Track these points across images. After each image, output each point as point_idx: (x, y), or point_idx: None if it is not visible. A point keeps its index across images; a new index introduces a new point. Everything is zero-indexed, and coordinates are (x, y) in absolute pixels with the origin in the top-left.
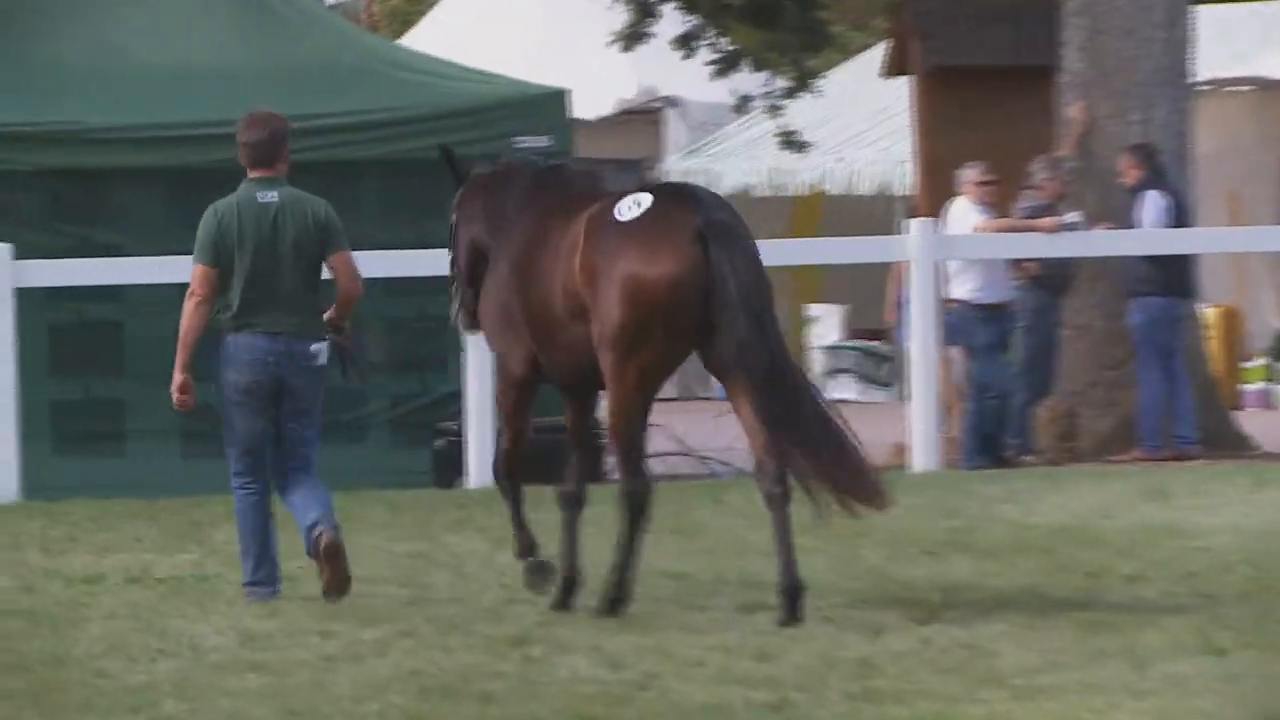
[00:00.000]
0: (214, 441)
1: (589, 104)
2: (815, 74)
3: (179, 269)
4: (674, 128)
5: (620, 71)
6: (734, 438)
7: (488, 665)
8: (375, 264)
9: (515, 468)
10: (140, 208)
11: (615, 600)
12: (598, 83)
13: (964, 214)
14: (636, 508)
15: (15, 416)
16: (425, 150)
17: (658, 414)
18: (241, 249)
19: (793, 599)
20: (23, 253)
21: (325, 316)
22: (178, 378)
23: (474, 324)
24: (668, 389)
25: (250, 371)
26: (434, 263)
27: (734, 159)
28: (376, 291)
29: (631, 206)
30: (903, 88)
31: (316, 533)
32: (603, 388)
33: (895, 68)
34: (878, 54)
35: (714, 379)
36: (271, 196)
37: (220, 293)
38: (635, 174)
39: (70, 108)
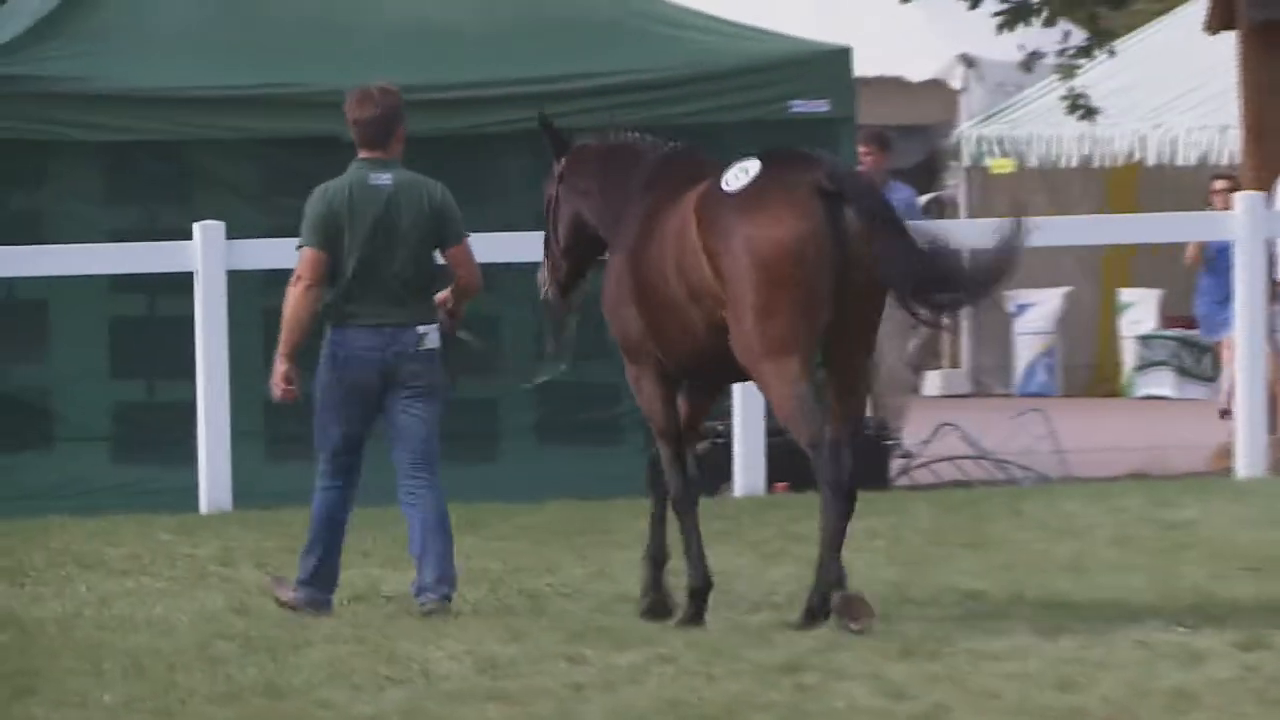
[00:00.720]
0: (452, 442)
1: (873, 63)
2: (1112, 33)
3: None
4: (970, 90)
5: (908, 27)
6: (1036, 438)
7: (756, 695)
8: None
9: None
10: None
11: (811, 611)
12: (882, 41)
13: None
14: (841, 497)
15: (228, 417)
16: (696, 116)
17: (949, 411)
18: (351, 235)
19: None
20: (236, 232)
21: (438, 298)
22: (280, 368)
23: (565, 305)
24: (960, 384)
25: (351, 370)
26: None
27: (1037, 124)
28: None
29: (739, 174)
30: (1229, 44)
31: (422, 604)
32: (725, 380)
33: (1220, 22)
34: (1200, 7)
35: (1013, 372)
36: (385, 179)
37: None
38: (925, 141)
39: (298, 70)
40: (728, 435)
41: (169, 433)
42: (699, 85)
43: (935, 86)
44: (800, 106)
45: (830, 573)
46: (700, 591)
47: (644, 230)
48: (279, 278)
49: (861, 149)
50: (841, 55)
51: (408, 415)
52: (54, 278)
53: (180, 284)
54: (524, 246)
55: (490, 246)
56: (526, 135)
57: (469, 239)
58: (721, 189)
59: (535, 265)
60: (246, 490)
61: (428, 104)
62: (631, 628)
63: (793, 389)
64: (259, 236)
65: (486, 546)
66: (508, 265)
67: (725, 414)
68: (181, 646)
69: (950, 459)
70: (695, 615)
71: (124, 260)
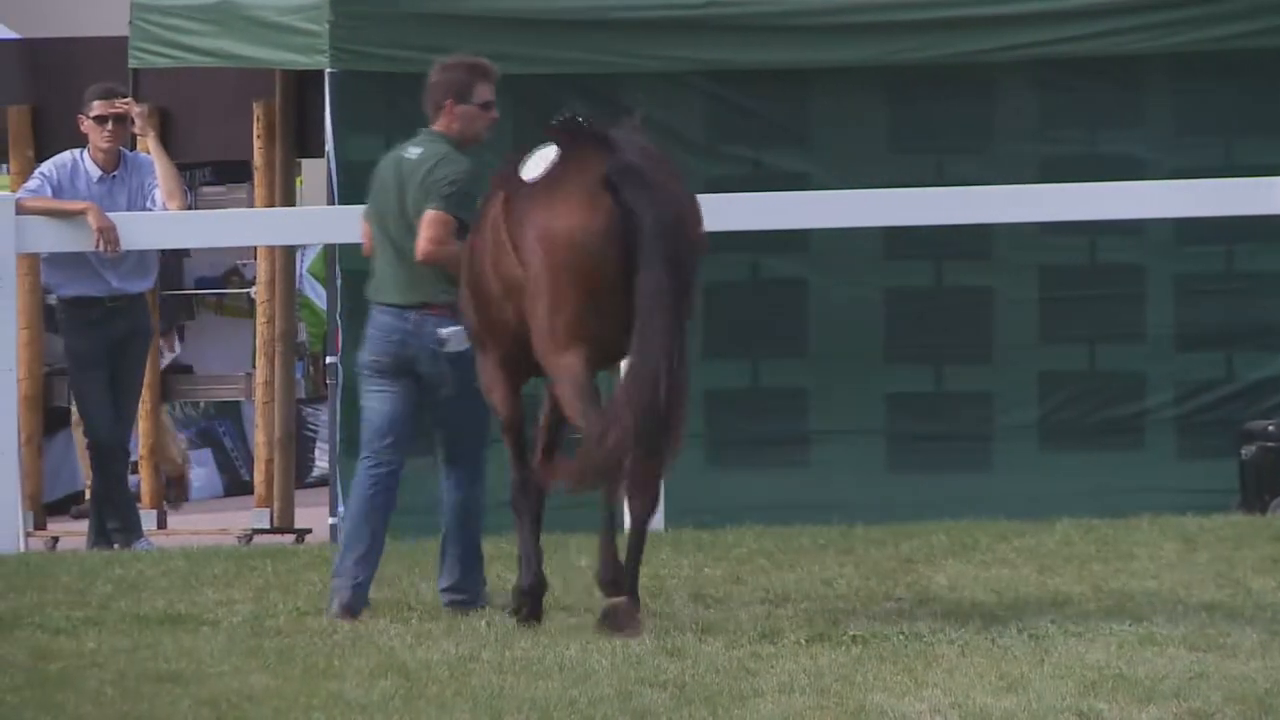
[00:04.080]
0: (929, 448)
1: None
2: None
3: (893, 207)
4: None
5: None
6: None
7: None
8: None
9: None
10: (838, 123)
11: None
12: None
13: None
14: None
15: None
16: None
17: None
18: (376, 209)
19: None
20: None
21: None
22: None
23: None
24: None
25: (374, 349)
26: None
27: None
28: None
29: (537, 163)
30: None
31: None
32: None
33: None
34: None
35: None
36: (413, 152)
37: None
38: None
39: None
40: (1279, 436)
41: None
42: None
43: None
44: None
45: (612, 571)
46: (534, 591)
47: (479, 217)
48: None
49: None
50: None
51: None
52: None
53: None
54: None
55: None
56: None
57: (441, 212)
58: (520, 177)
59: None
60: (682, 505)
61: (919, 25)
62: (1158, 676)
63: (574, 385)
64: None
65: (977, 575)
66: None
67: (1275, 410)
68: (600, 695)
69: None
70: (531, 614)
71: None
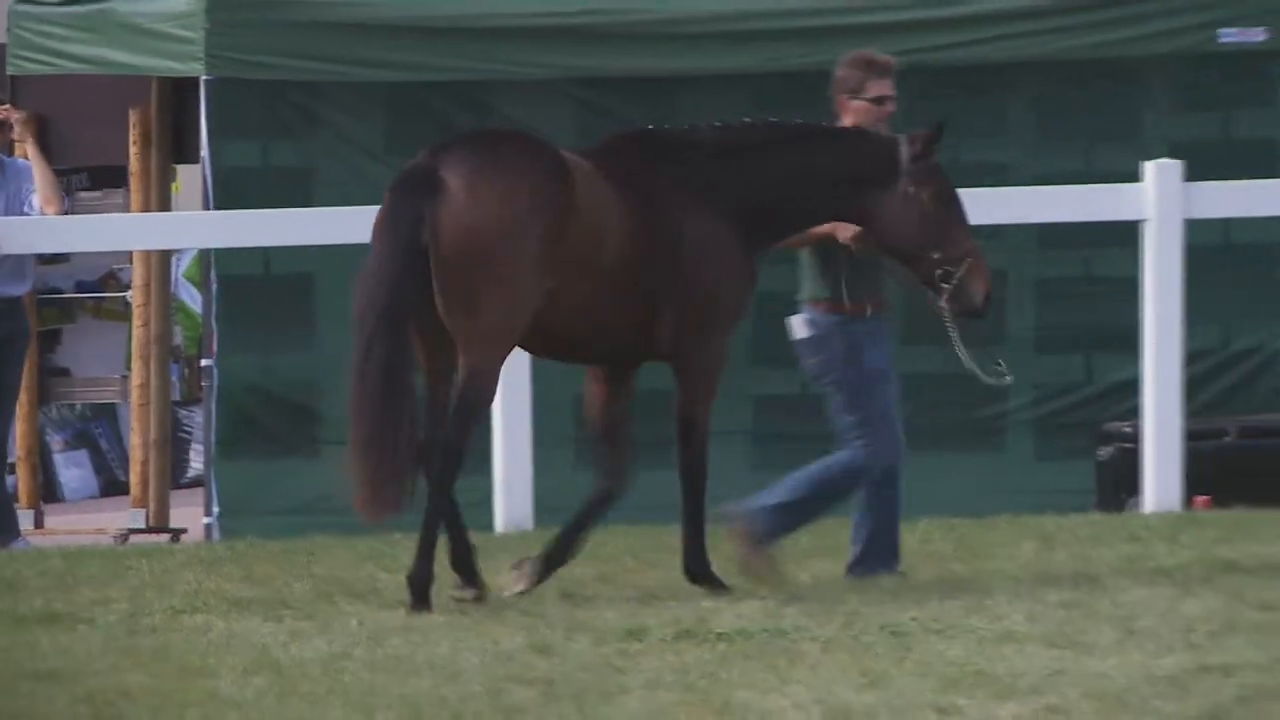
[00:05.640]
0: (794, 445)
1: None
2: None
3: None
4: None
5: None
6: None
7: None
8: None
9: None
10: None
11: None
12: None
13: None
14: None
15: (530, 419)
16: (1105, 49)
17: None
18: None
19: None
20: None
21: None
22: None
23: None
24: None
25: None
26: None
27: None
28: (1028, 242)
29: None
30: None
31: None
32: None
33: None
34: None
35: None
36: None
37: None
38: None
39: None
40: (1135, 438)
41: None
42: (1106, 11)
43: None
44: (1231, 36)
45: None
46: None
47: None
48: None
49: None
50: None
51: None
52: (322, 247)
53: None
54: None
55: None
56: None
57: None
58: None
59: None
60: (550, 505)
61: (785, 33)
62: (1017, 672)
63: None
64: None
65: (841, 572)
66: None
67: (1132, 413)
68: (470, 692)
69: None
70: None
71: None
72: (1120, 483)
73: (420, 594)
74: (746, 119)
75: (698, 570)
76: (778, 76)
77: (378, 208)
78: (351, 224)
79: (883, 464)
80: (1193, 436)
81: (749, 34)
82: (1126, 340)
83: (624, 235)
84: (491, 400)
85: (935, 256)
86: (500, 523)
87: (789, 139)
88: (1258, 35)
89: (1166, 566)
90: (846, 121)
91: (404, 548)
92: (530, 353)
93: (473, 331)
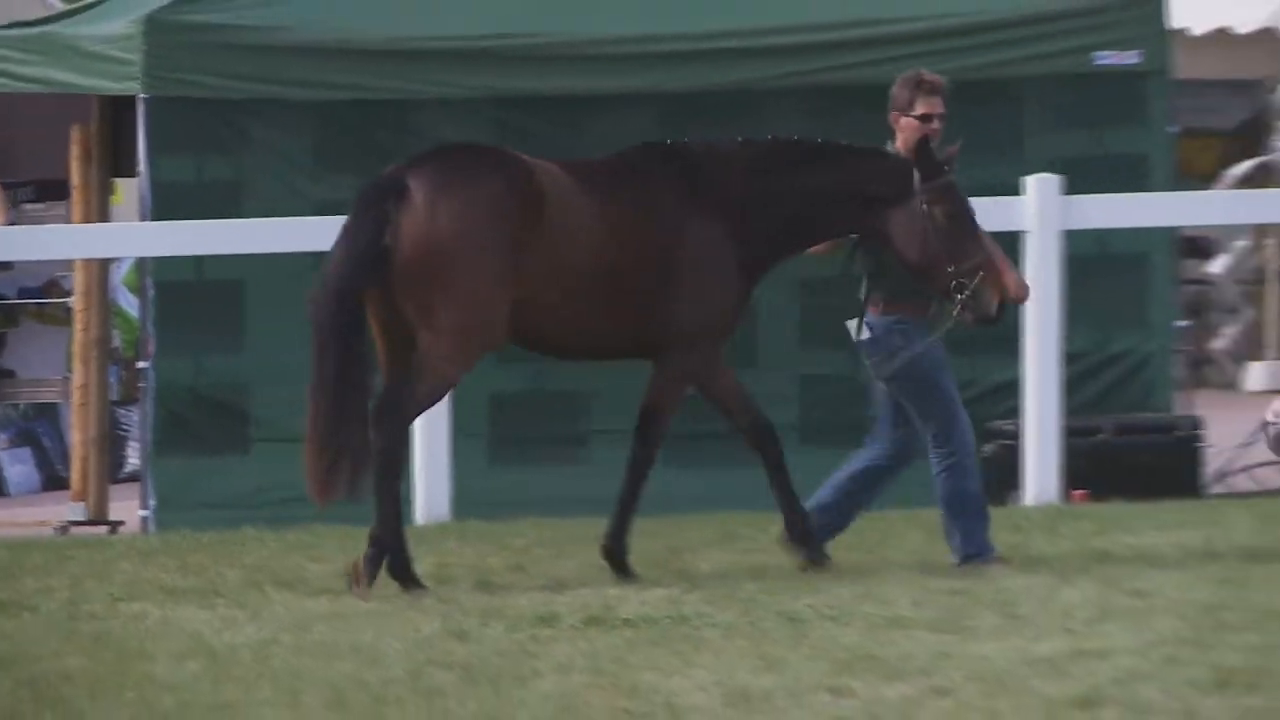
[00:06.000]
0: (697, 445)
1: (1193, 12)
2: None
3: None
4: None
5: None
6: None
7: None
8: None
9: None
10: (613, 145)
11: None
12: None
13: None
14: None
15: (448, 413)
16: (987, 70)
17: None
18: None
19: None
20: None
21: None
22: None
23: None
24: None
25: None
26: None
27: None
28: None
29: None
30: None
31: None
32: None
33: None
34: None
35: None
36: None
37: None
38: (1251, 98)
39: (540, 19)
40: (1017, 435)
41: None
42: (990, 35)
43: (1264, 37)
44: (1106, 59)
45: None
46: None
47: None
48: None
49: None
50: (1153, 3)
51: None
52: (252, 256)
53: None
54: None
55: None
56: (803, 91)
57: None
58: None
59: None
60: (467, 499)
61: (690, 55)
62: (905, 656)
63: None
64: None
65: (739, 562)
66: None
67: (1013, 412)
68: (392, 677)
69: (1275, 463)
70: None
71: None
72: (1003, 477)
73: (405, 580)
74: (770, 135)
75: (619, 553)
76: (684, 96)
77: (305, 219)
78: (280, 235)
79: (970, 450)
80: (1070, 434)
81: (658, 56)
82: (1008, 343)
83: (602, 244)
84: (433, 404)
85: (949, 269)
86: (420, 515)
87: (806, 156)
88: (1131, 58)
89: (1045, 556)
90: (899, 138)
91: (329, 539)
92: (529, 350)
93: (429, 339)
